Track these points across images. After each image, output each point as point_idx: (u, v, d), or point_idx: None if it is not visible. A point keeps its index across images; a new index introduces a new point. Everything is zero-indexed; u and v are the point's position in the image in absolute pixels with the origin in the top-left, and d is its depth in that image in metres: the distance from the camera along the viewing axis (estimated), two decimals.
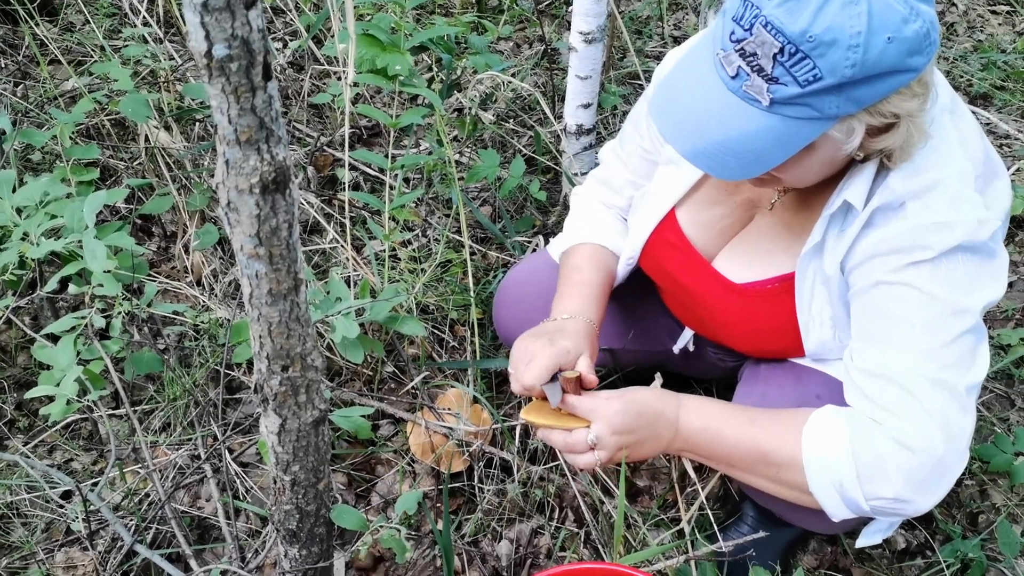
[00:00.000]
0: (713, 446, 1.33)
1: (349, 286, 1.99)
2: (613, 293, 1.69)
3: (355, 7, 1.94)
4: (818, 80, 1.06)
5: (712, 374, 1.87)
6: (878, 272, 1.24)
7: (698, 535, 1.66)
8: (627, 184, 1.67)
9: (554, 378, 1.35)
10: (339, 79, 2.50)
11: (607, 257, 1.64)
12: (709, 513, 1.61)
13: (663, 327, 1.77)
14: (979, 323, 1.22)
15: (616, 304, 1.77)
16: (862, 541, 1.42)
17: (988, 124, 2.99)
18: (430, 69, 2.82)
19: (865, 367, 1.26)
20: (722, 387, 1.98)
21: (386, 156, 1.97)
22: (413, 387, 1.93)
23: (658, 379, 1.70)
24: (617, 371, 1.84)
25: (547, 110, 2.37)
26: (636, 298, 1.75)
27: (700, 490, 1.81)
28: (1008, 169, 2.74)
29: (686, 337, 1.71)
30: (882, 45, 1.04)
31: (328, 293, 1.71)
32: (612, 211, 1.71)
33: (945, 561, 1.66)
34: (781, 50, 1.06)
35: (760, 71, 1.09)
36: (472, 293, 1.98)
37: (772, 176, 1.24)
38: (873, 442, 1.21)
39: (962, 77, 3.24)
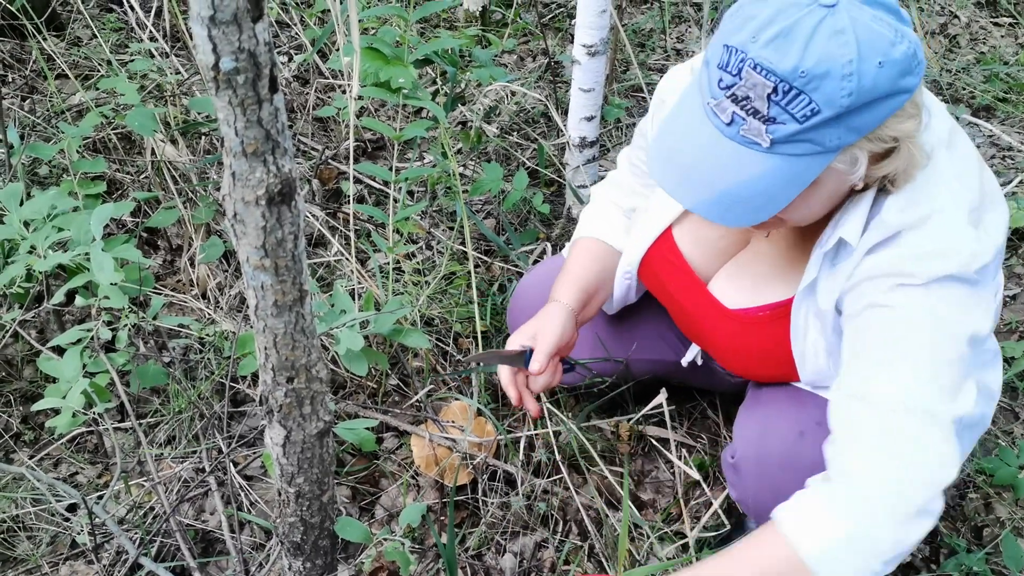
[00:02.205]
0: None
1: (353, 299, 1.99)
2: (624, 307, 1.72)
3: (360, 21, 1.95)
4: (816, 114, 1.06)
5: (720, 387, 1.87)
6: (869, 295, 1.24)
7: (704, 548, 1.66)
8: (634, 191, 1.69)
9: (526, 357, 1.50)
10: (344, 92, 2.51)
11: (604, 251, 1.65)
12: (693, 526, 1.61)
13: (671, 340, 1.78)
14: (969, 354, 1.21)
15: (625, 316, 1.78)
16: None
17: (991, 136, 3.00)
18: (434, 82, 2.83)
19: (850, 390, 1.25)
20: (727, 400, 1.98)
21: (390, 169, 1.98)
22: (417, 400, 1.93)
23: (663, 394, 1.71)
24: (627, 381, 1.85)
25: (557, 120, 2.38)
26: (645, 310, 1.76)
27: (705, 504, 1.81)
28: (1012, 182, 2.74)
29: (693, 351, 1.71)
30: (875, 70, 1.05)
31: (333, 306, 1.71)
32: (622, 211, 1.72)
33: (950, 575, 1.65)
34: (775, 89, 1.06)
35: (756, 113, 1.09)
36: (476, 305, 1.98)
37: (776, 218, 1.23)
38: (862, 517, 1.19)
39: (964, 89, 3.25)
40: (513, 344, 1.52)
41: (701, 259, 1.53)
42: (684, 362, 1.73)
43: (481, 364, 1.74)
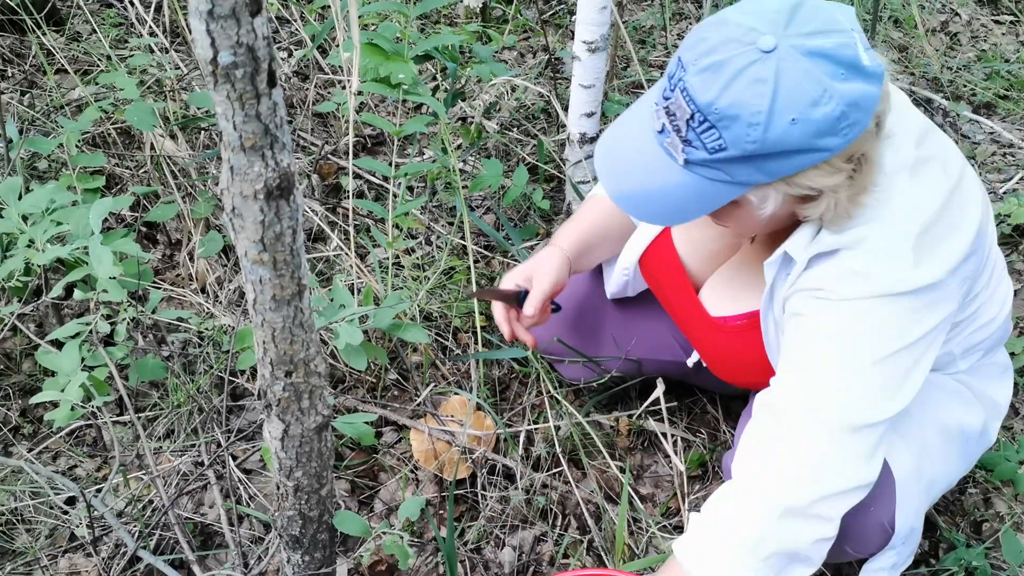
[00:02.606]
0: None
1: (353, 293, 1.99)
2: (632, 302, 1.76)
3: (360, 16, 1.95)
4: (723, 150, 1.09)
5: (729, 390, 1.87)
6: (795, 305, 1.27)
7: None
8: None
9: (519, 296, 1.58)
10: (344, 88, 2.51)
11: (614, 210, 1.65)
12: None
13: (682, 340, 1.78)
14: (889, 368, 1.23)
15: (639, 314, 1.78)
16: None
17: (992, 133, 3.00)
18: (434, 78, 2.83)
19: (763, 396, 1.29)
20: (727, 396, 1.98)
21: (390, 164, 1.98)
22: (417, 396, 1.93)
23: (660, 387, 1.71)
24: (635, 379, 1.87)
25: (560, 113, 2.37)
26: (658, 310, 1.76)
27: (704, 498, 1.81)
28: (1012, 179, 2.74)
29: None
30: (785, 126, 1.05)
31: (332, 300, 1.71)
32: None
33: (949, 569, 1.65)
34: (692, 116, 1.09)
35: (678, 131, 1.12)
36: (475, 300, 1.98)
37: (725, 224, 1.29)
38: (736, 514, 1.25)
39: (965, 87, 3.25)
40: (508, 283, 1.59)
41: (695, 261, 1.56)
42: (690, 363, 1.74)
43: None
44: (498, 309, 1.60)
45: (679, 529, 1.74)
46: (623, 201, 1.22)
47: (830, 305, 1.22)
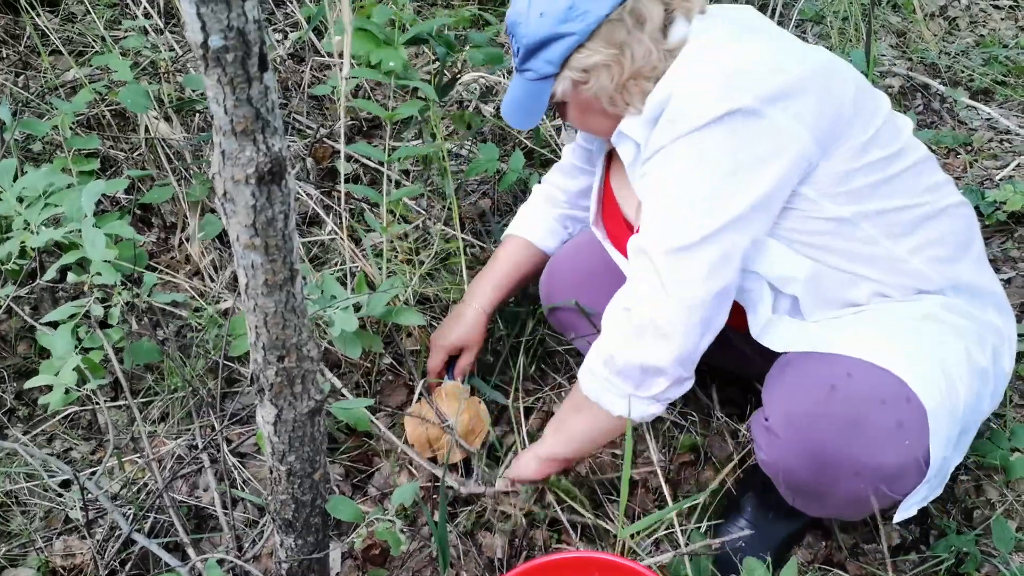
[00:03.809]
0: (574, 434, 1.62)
1: (347, 278, 1.99)
2: None
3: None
4: (520, 51, 1.47)
5: (748, 368, 1.82)
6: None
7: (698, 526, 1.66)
8: (573, 168, 1.85)
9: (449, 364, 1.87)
10: (338, 71, 2.50)
11: (525, 255, 1.91)
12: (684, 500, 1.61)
13: None
14: (691, 196, 1.39)
15: None
16: (900, 515, 1.46)
17: (989, 119, 2.99)
18: (432, 62, 2.81)
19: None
20: (720, 384, 1.98)
21: (385, 149, 1.97)
22: (411, 381, 1.94)
23: None
24: None
25: None
26: None
27: (696, 483, 1.81)
28: (1009, 165, 2.74)
29: None
30: (537, 19, 1.43)
31: (323, 292, 1.70)
32: (557, 203, 1.91)
33: (939, 556, 1.66)
34: (508, 32, 1.50)
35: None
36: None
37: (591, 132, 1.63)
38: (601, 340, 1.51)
39: (963, 72, 3.24)
40: (441, 355, 1.85)
41: (632, 213, 1.64)
42: None
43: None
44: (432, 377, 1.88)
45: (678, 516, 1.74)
46: (505, 115, 1.57)
47: (654, 159, 1.43)
